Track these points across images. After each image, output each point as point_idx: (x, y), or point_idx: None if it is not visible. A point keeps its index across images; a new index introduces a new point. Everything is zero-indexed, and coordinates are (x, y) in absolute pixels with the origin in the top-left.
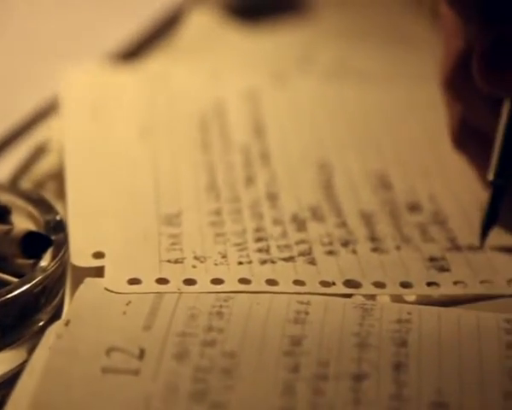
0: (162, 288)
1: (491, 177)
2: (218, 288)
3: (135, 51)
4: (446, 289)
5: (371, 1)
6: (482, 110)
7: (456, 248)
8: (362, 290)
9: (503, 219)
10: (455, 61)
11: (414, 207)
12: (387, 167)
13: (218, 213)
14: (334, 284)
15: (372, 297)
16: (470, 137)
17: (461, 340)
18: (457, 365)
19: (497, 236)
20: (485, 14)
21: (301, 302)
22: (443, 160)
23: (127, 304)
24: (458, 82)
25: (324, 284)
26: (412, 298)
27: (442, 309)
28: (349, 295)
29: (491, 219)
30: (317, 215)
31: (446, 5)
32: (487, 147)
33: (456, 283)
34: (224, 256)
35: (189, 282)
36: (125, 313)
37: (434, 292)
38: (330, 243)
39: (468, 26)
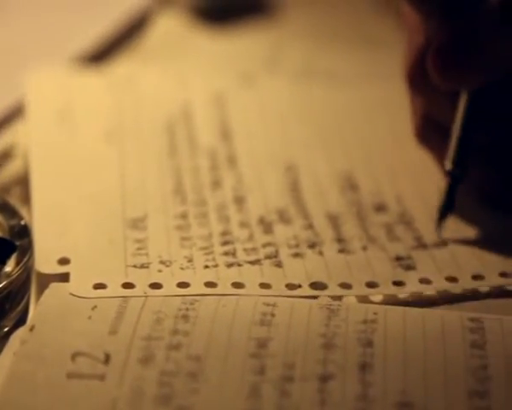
0: (128, 292)
1: (448, 166)
2: (184, 291)
3: (102, 54)
4: (412, 287)
5: (339, 1)
6: (443, 104)
7: (421, 246)
8: (328, 292)
9: (467, 214)
10: (415, 56)
11: (380, 208)
12: (355, 168)
13: (184, 216)
14: (300, 286)
15: (338, 298)
16: (432, 131)
17: (426, 339)
18: (422, 364)
19: (461, 231)
20: (443, 10)
21: (267, 304)
22: (410, 160)
23: (93, 309)
24: (419, 77)
25: (290, 286)
26: (380, 298)
27: (407, 309)
28: (315, 297)
29: (448, 207)
30: (283, 218)
31: (406, 2)
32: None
33: (421, 280)
34: (190, 260)
35: (155, 286)
36: (90, 317)
37: (400, 291)
38: (297, 246)
39: (427, 22)
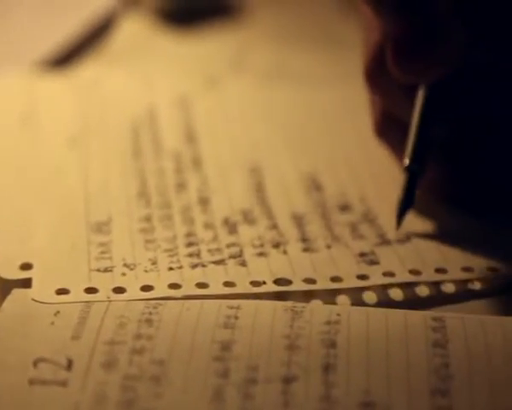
0: (91, 297)
1: (406, 163)
2: (148, 295)
3: (67, 57)
4: (376, 280)
5: (304, 2)
6: (401, 100)
7: (385, 242)
8: (292, 287)
9: (429, 209)
10: (373, 53)
11: (345, 208)
12: (319, 169)
13: (148, 219)
14: (264, 283)
15: (303, 299)
16: (391, 127)
17: (389, 339)
18: (385, 364)
19: (422, 226)
20: (399, 5)
21: (231, 307)
22: (374, 160)
23: (55, 314)
24: (377, 73)
25: (255, 283)
26: (345, 299)
27: (371, 309)
28: (280, 297)
29: (407, 203)
30: (248, 218)
31: (363, 1)
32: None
33: (385, 274)
34: (154, 263)
35: (119, 290)
36: (52, 323)
37: (364, 284)
38: (261, 245)
39: (383, 17)
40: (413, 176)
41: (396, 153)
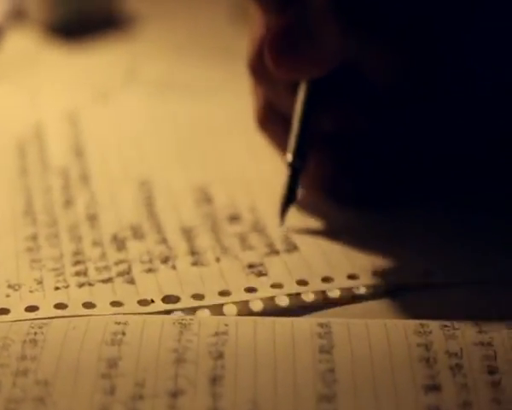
0: None
1: (288, 158)
2: (33, 315)
3: None
4: (264, 292)
5: (196, 14)
6: (283, 95)
7: (274, 252)
8: (180, 304)
9: (316, 212)
10: (256, 47)
11: (234, 219)
12: (210, 181)
13: (34, 238)
14: (152, 301)
15: (192, 311)
16: (273, 119)
17: (276, 347)
18: (272, 372)
19: (310, 231)
20: (280, 0)
21: (118, 323)
22: (264, 170)
23: None
24: (259, 67)
25: (143, 302)
26: (234, 310)
27: (258, 318)
28: (169, 311)
29: (289, 198)
30: (137, 234)
31: None
32: (289, 129)
33: (273, 285)
34: (39, 282)
35: (2, 311)
36: None
37: (252, 297)
38: (150, 261)
39: (266, 14)
40: (295, 172)
41: (277, 145)
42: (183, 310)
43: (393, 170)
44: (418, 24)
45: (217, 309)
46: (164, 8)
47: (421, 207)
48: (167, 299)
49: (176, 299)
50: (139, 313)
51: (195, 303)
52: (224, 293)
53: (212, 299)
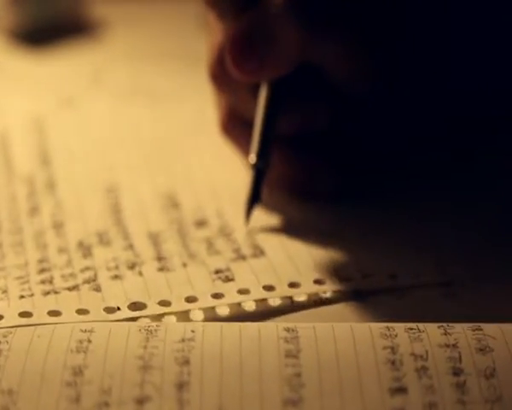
0: None
1: (252, 160)
2: None
3: None
4: (230, 298)
5: (162, 21)
6: (245, 98)
7: (240, 257)
8: (147, 311)
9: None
10: (216, 53)
11: (201, 223)
12: (177, 186)
13: None
14: (119, 309)
15: (158, 318)
16: (236, 124)
17: (242, 352)
18: (238, 378)
19: (276, 235)
20: (237, 6)
21: (84, 331)
22: (230, 174)
23: None
24: (220, 73)
25: (109, 310)
26: (201, 316)
27: (225, 324)
28: (135, 318)
29: (254, 200)
30: (103, 240)
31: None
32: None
33: (240, 291)
34: (4, 291)
35: None
36: None
37: (219, 303)
38: (116, 268)
39: (224, 19)
40: (259, 172)
41: (242, 149)
42: (149, 317)
43: (362, 160)
44: (378, 23)
45: (183, 316)
46: (130, 15)
47: (385, 209)
48: (133, 306)
49: (142, 306)
50: (105, 321)
51: (162, 310)
52: (190, 299)
53: (179, 305)
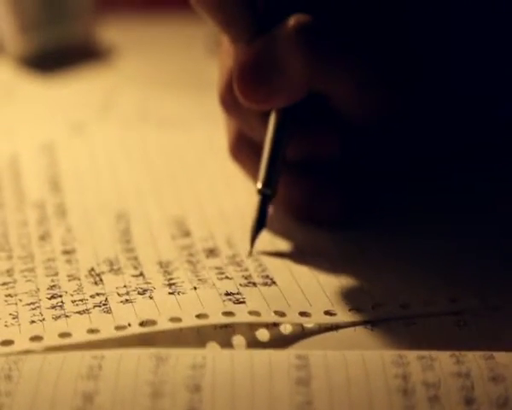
0: None
1: (259, 186)
2: (8, 349)
3: None
4: (241, 317)
5: (173, 47)
6: (254, 123)
7: (251, 284)
8: (157, 327)
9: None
10: (226, 78)
11: (212, 252)
12: (187, 214)
13: (9, 273)
14: (129, 325)
15: (170, 345)
16: (245, 149)
17: (254, 380)
18: (250, 405)
19: (286, 265)
20: (251, 30)
21: (95, 357)
22: (241, 202)
23: None
24: (230, 99)
25: (119, 328)
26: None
27: (236, 351)
28: (147, 341)
29: (259, 225)
30: (114, 268)
31: (215, 25)
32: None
33: (251, 313)
34: (15, 317)
35: None
36: None
37: (230, 320)
38: (127, 293)
39: (236, 43)
40: (265, 199)
41: (250, 174)
42: (160, 337)
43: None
44: (393, 56)
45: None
46: (140, 40)
47: (393, 238)
48: (144, 324)
49: (152, 323)
50: (116, 338)
51: (173, 326)
52: (201, 316)
53: (190, 321)
